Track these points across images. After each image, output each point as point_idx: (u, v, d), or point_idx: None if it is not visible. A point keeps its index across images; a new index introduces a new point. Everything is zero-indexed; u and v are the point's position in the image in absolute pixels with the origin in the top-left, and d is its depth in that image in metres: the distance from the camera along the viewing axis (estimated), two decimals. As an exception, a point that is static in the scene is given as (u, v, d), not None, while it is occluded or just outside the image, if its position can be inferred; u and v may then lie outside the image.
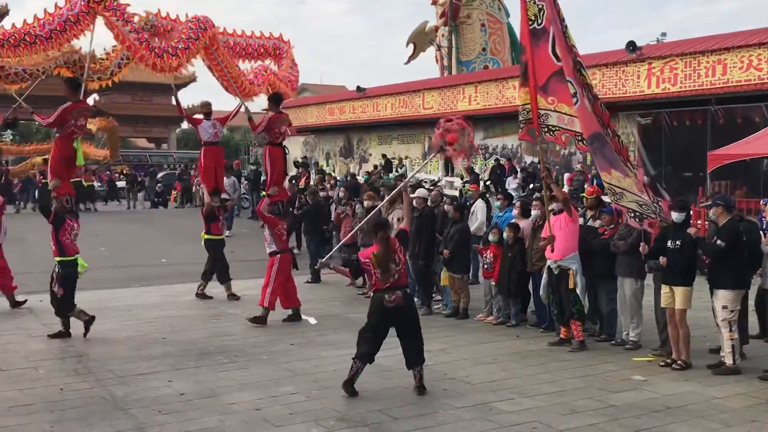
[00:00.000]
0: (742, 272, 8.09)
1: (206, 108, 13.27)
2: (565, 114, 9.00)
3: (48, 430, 6.26)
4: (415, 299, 9.88)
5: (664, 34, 26.03)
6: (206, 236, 12.93)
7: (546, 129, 9.29)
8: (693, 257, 8.28)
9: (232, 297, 12.58)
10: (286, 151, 12.35)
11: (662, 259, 8.27)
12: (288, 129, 11.69)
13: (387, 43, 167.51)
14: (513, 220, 10.94)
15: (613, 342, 9.47)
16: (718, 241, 7.96)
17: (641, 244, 8.69)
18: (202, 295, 12.67)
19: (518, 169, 24.97)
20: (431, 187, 20.85)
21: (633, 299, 9.25)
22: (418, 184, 22.19)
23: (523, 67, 9.35)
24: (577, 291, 9.21)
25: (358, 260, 7.62)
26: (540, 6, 8.99)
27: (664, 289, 8.36)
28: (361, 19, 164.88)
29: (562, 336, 9.44)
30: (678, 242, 8.19)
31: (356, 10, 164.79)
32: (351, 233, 11.86)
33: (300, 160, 36.87)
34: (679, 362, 8.22)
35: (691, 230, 8.31)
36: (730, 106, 19.28)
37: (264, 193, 10.66)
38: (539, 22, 9.02)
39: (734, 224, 8.22)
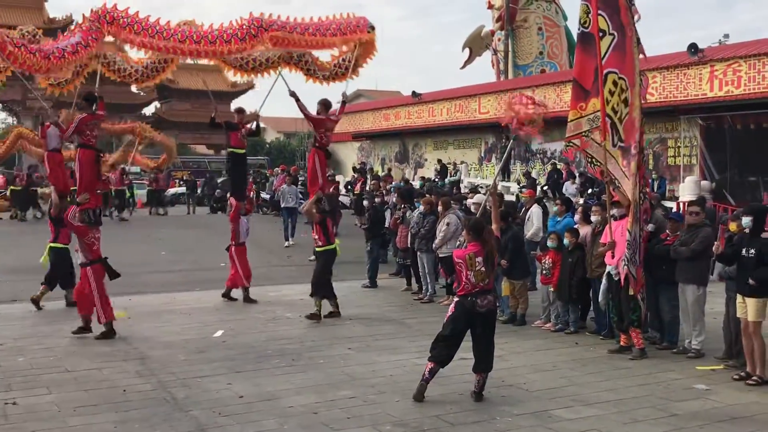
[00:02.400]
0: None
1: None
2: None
3: (112, 431, 6.41)
4: None
5: (726, 36, 25.38)
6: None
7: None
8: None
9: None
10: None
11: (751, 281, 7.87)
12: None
13: (443, 48, 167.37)
14: (575, 226, 10.79)
15: (675, 350, 9.26)
16: None
17: (715, 243, 8.43)
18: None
19: (576, 174, 24.66)
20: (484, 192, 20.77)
21: (695, 306, 9.03)
22: (475, 190, 22.13)
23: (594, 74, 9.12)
24: (638, 297, 9.03)
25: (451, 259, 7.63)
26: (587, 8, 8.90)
27: (738, 298, 8.06)
28: (418, 24, 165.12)
29: (622, 343, 9.27)
30: (752, 251, 7.87)
31: (413, 16, 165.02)
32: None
33: (357, 166, 37.07)
34: (755, 377, 7.87)
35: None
36: (796, 108, 18.74)
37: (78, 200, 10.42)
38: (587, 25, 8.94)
39: None
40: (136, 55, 11.42)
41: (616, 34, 8.91)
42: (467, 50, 42.05)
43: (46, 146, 12.47)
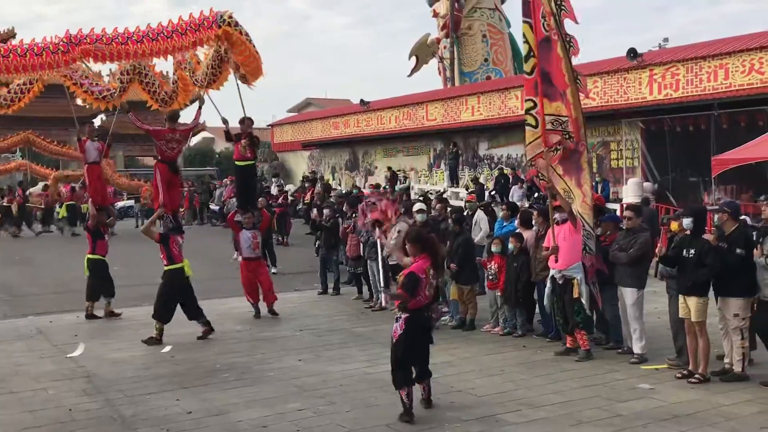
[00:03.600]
0: (752, 279, 7.96)
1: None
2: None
3: (57, 452, 6.29)
4: None
5: (666, 40, 26.09)
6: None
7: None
8: (713, 268, 7.93)
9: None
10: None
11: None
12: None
13: (391, 55, 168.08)
14: (517, 231, 10.95)
15: (619, 351, 9.41)
16: (738, 250, 7.86)
17: (658, 246, 8.61)
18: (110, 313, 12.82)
19: (523, 179, 24.98)
20: (435, 199, 20.90)
21: (634, 309, 9.16)
22: (425, 196, 22.27)
23: (545, 77, 9.23)
24: (582, 300, 9.19)
25: (414, 276, 6.91)
26: (544, 13, 9.10)
27: (680, 299, 8.22)
28: (365, 32, 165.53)
29: (568, 345, 9.43)
30: (693, 251, 8.03)
31: (360, 24, 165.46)
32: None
33: (308, 175, 37.00)
34: (697, 375, 8.05)
35: (708, 237, 8.20)
36: (733, 110, 19.27)
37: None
38: (546, 29, 9.13)
39: (745, 231, 8.18)
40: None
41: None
42: (414, 58, 42.28)
43: (84, 159, 13.28)
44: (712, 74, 19.29)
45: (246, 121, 13.03)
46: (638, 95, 21.25)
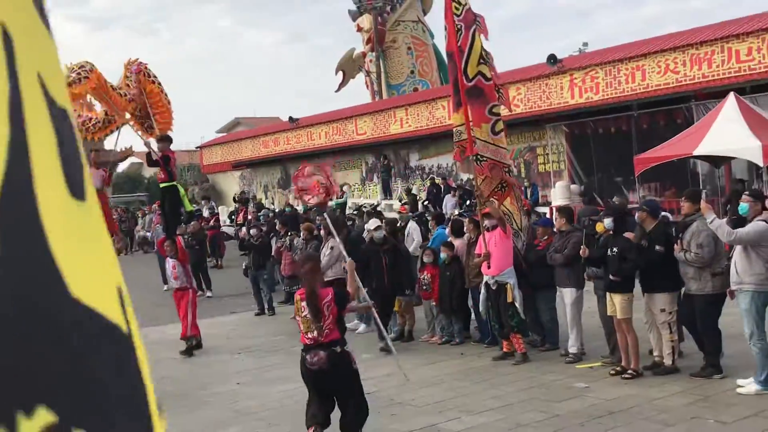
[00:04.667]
0: (676, 274, 8.21)
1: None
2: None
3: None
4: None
5: (586, 44, 26.71)
6: None
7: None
8: (634, 265, 8.23)
9: None
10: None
11: (612, 277, 8.29)
12: None
13: (319, 72, 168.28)
14: (447, 239, 11.05)
15: (562, 353, 9.56)
16: (657, 247, 8.10)
17: (582, 247, 8.82)
18: None
19: (455, 187, 25.24)
20: (371, 211, 20.94)
21: (573, 309, 9.36)
22: (359, 210, 22.28)
23: (454, 87, 9.53)
24: (516, 304, 9.32)
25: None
26: (459, 26, 9.28)
27: (608, 297, 8.45)
28: (293, 49, 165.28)
29: (504, 350, 9.54)
30: (615, 249, 8.29)
31: (288, 41, 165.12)
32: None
33: (238, 196, 36.63)
34: (630, 370, 8.25)
35: (629, 235, 8.43)
36: (651, 110, 19.87)
37: None
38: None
39: (665, 228, 8.43)
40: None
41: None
42: (341, 73, 42.40)
43: None
44: (630, 76, 19.86)
45: (161, 141, 12.44)
46: (561, 100, 21.73)
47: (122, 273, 0.92)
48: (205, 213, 28.32)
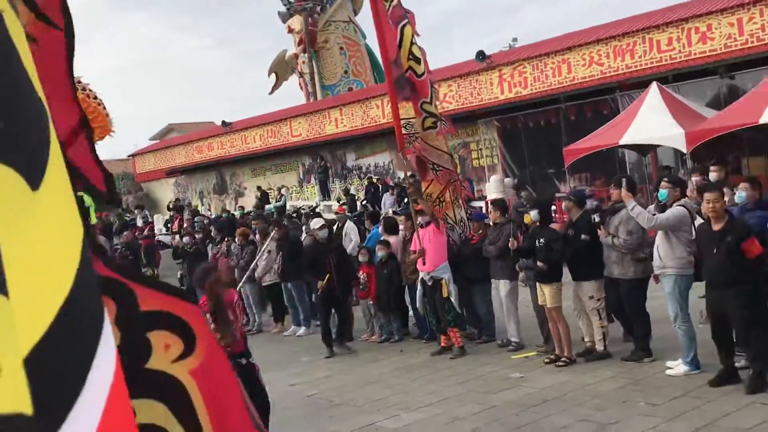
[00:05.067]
0: (602, 262, 8.40)
1: None
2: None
3: None
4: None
5: (515, 40, 26.98)
6: None
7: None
8: (560, 254, 8.39)
9: None
10: None
11: (540, 264, 8.45)
12: None
13: (252, 75, 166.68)
14: (382, 238, 11.09)
15: (501, 343, 9.68)
16: (582, 236, 8.28)
17: (510, 240, 8.95)
18: None
19: (393, 186, 25.34)
20: (310, 213, 20.88)
21: (508, 300, 9.50)
22: (297, 212, 22.18)
23: (402, 81, 9.35)
24: (451, 299, 9.41)
25: None
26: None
27: (538, 287, 8.62)
28: (224, 53, 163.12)
29: (442, 344, 9.63)
30: (542, 240, 8.46)
31: (219, 45, 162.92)
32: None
33: (172, 204, 36.08)
34: (563, 358, 8.42)
35: (555, 226, 8.61)
36: (579, 102, 20.27)
37: None
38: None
39: (590, 217, 8.62)
40: None
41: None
42: (273, 75, 42.11)
43: None
44: (557, 69, 20.21)
45: None
46: (491, 95, 22.00)
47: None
48: (139, 222, 27.86)
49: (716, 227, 6.78)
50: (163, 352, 1.85)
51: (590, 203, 9.91)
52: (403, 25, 9.29)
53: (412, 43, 9.28)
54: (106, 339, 1.03)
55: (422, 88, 9.40)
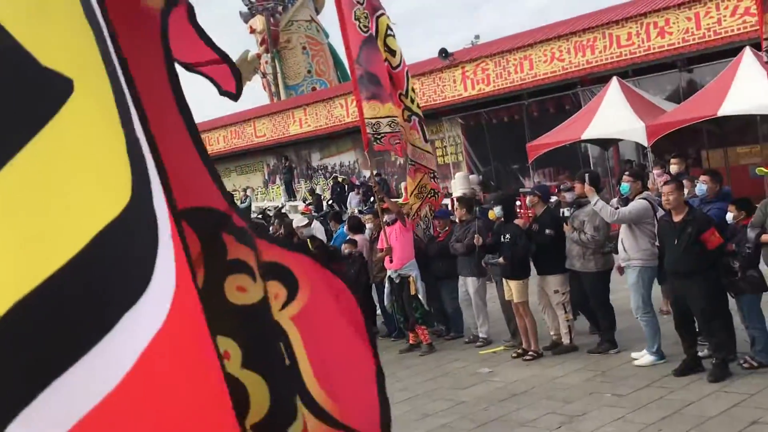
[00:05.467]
0: (565, 256, 8.49)
1: None
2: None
3: None
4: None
5: (477, 37, 27.15)
6: None
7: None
8: (524, 249, 8.45)
9: None
10: None
11: (501, 260, 8.52)
12: None
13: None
14: (347, 237, 11.07)
15: (469, 339, 9.73)
16: (547, 231, 8.35)
17: (475, 236, 8.99)
18: None
19: (358, 185, 25.35)
20: (278, 214, 20.75)
21: (477, 297, 9.52)
22: (264, 213, 22.05)
23: (365, 79, 9.16)
24: (419, 296, 9.43)
25: None
26: (359, 15, 9.14)
27: (504, 282, 8.68)
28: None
29: (410, 342, 9.65)
30: (507, 236, 8.52)
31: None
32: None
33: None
34: (530, 352, 8.48)
35: (519, 221, 8.67)
36: (541, 98, 20.46)
37: None
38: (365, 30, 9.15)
39: (554, 212, 8.70)
40: None
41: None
42: (236, 76, 41.91)
43: None
44: (519, 66, 20.38)
45: None
46: (454, 93, 22.11)
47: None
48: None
49: (677, 219, 6.90)
50: (274, 301, 1.97)
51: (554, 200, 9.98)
52: (379, 16, 9.17)
53: (387, 35, 9.20)
54: (165, 252, 1.20)
55: (399, 80, 9.34)
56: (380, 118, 9.21)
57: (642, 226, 7.55)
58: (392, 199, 11.22)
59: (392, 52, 9.25)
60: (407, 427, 6.64)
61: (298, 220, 11.32)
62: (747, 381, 6.58)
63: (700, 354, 7.12)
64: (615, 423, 6.06)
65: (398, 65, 9.33)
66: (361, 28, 9.22)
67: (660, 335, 7.56)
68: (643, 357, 7.63)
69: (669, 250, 7.01)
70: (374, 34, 9.08)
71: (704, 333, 7.05)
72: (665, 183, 7.15)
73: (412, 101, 9.62)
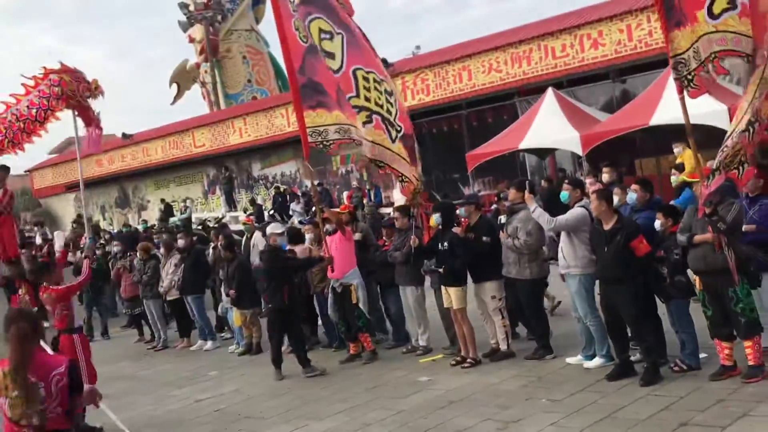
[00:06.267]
0: (500, 262, 8.61)
1: None
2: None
3: None
4: None
5: (418, 47, 27.44)
6: None
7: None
8: (462, 257, 8.51)
9: None
10: None
11: (440, 270, 8.59)
12: None
13: (153, 86, 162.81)
14: (287, 248, 11.02)
15: (408, 348, 9.76)
16: (484, 238, 8.47)
17: (412, 236, 9.01)
18: None
19: (300, 195, 25.26)
20: (218, 225, 20.55)
21: (416, 305, 9.58)
22: (204, 224, 21.77)
23: (310, 88, 9.11)
24: (360, 305, 9.45)
25: None
26: (298, 25, 9.06)
27: (443, 290, 8.75)
28: (121, 64, 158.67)
29: (351, 352, 9.66)
30: (446, 244, 8.61)
31: (115, 56, 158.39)
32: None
33: (75, 221, 34.90)
34: (469, 359, 8.56)
35: (457, 230, 8.75)
36: (480, 108, 20.75)
37: None
38: (305, 40, 9.08)
39: (489, 220, 8.83)
40: None
41: (343, 32, 8.98)
42: (175, 85, 41.39)
43: None
44: (458, 77, 20.66)
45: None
46: (395, 102, 22.22)
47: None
48: (38, 240, 26.76)
49: (606, 227, 7.10)
50: None
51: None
52: (311, 21, 8.94)
53: (321, 39, 8.94)
54: None
55: (345, 83, 8.95)
56: (328, 125, 9.14)
57: (580, 234, 7.64)
58: (332, 209, 11.20)
59: (330, 55, 8.96)
60: (346, 438, 6.66)
61: (272, 227, 10.83)
62: (677, 384, 6.77)
63: (632, 358, 7.30)
64: (550, 428, 6.17)
65: (340, 68, 8.95)
66: (301, 38, 9.16)
67: (609, 338, 7.58)
68: (594, 360, 7.72)
69: (599, 257, 7.19)
70: (314, 42, 9.02)
71: (635, 338, 7.24)
72: (591, 192, 7.35)
73: (368, 99, 9.00)
